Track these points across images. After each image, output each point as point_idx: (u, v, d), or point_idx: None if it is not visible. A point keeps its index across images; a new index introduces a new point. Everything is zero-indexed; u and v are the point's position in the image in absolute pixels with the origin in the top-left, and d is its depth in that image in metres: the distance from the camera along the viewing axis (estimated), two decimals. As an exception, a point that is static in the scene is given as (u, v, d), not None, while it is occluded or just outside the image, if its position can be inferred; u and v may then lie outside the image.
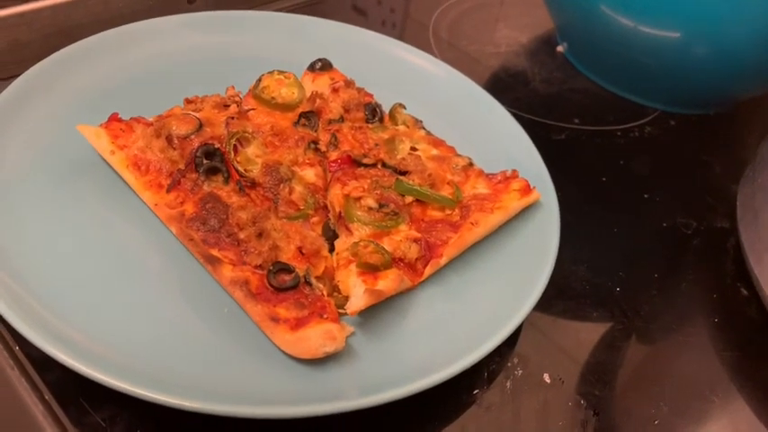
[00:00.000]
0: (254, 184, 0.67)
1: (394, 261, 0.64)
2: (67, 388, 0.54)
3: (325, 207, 0.69)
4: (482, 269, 0.67)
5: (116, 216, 0.65)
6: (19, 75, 0.72)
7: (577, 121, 0.95)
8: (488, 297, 0.64)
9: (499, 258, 0.68)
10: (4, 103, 0.69)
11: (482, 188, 0.72)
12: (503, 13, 1.20)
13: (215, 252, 0.60)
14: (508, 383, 0.62)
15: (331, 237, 0.66)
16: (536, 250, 0.68)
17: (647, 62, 0.96)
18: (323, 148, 0.74)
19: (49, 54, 0.76)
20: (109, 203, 0.65)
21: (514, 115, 0.84)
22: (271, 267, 0.59)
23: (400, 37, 0.98)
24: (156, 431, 0.53)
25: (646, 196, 0.86)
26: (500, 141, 0.81)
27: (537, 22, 1.15)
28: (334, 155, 0.73)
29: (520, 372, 0.63)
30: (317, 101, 0.78)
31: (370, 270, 0.61)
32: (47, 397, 0.54)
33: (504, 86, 1.01)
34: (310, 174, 0.71)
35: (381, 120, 0.79)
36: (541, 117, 0.95)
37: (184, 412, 0.51)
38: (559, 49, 1.09)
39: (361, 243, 0.63)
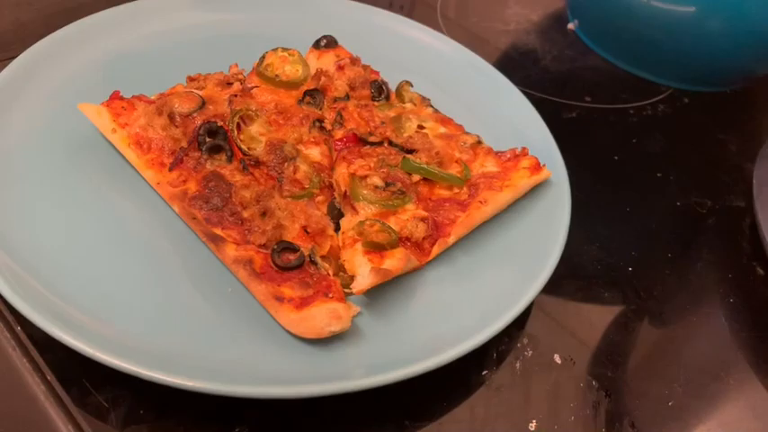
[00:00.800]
0: (257, 163, 0.66)
1: (401, 240, 0.62)
2: (70, 368, 0.53)
3: (331, 186, 0.67)
4: (491, 248, 0.65)
5: (118, 195, 0.64)
6: (21, 54, 0.72)
7: (589, 99, 0.93)
8: (497, 277, 0.63)
9: (508, 237, 0.66)
10: (6, 82, 0.68)
11: (491, 166, 0.70)
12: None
13: (218, 231, 0.59)
14: (518, 364, 0.61)
15: (336, 216, 0.65)
16: (546, 229, 0.66)
17: (661, 38, 0.93)
18: (328, 127, 0.73)
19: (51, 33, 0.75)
20: (111, 182, 0.64)
21: (525, 94, 0.82)
22: (275, 246, 0.58)
23: (408, 16, 0.96)
24: (160, 411, 0.52)
25: (659, 175, 0.84)
26: (509, 119, 0.79)
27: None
28: (339, 133, 0.72)
29: (530, 352, 0.62)
30: (322, 78, 0.76)
31: (376, 249, 0.60)
32: (49, 377, 0.53)
33: (514, 65, 0.99)
34: (315, 152, 0.69)
35: (388, 98, 0.78)
36: (552, 95, 0.92)
37: (188, 392, 0.50)
38: (570, 26, 1.06)
39: (367, 222, 0.62)
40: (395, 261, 0.59)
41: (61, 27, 0.76)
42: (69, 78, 0.72)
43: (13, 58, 0.71)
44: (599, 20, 1.02)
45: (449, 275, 0.63)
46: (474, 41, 1.02)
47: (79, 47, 0.74)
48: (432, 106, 0.77)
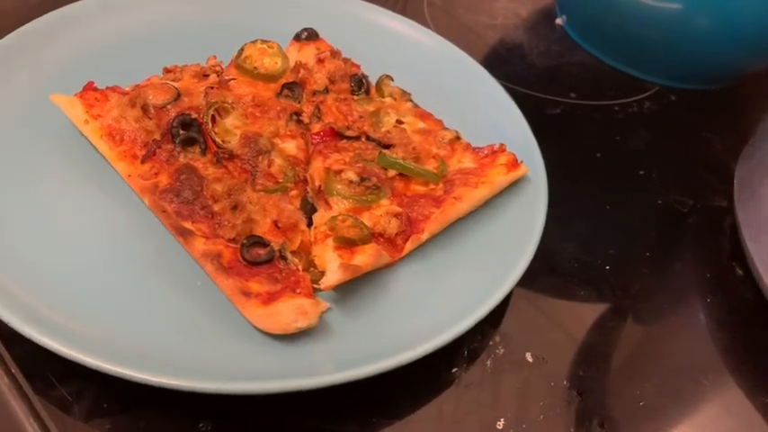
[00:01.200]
0: (231, 156, 0.65)
1: (373, 236, 0.62)
2: (34, 362, 0.53)
3: (306, 181, 0.67)
4: (466, 245, 0.65)
5: (89, 187, 0.63)
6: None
7: (574, 96, 0.92)
8: (471, 273, 0.62)
9: (484, 234, 0.66)
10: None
11: (468, 162, 0.70)
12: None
13: (188, 224, 0.59)
14: (489, 362, 0.60)
15: (310, 211, 0.65)
16: (522, 226, 0.66)
17: (648, 35, 0.92)
18: (306, 120, 0.72)
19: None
20: (83, 174, 0.64)
21: (509, 89, 0.81)
22: (244, 241, 0.58)
23: (394, 6, 0.95)
24: (124, 405, 0.52)
25: (641, 173, 0.83)
26: (490, 115, 0.78)
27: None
28: (317, 127, 0.71)
29: (501, 350, 0.62)
30: (301, 71, 0.75)
31: (347, 245, 0.59)
32: (13, 370, 0.53)
33: (500, 60, 0.99)
34: (291, 146, 0.69)
35: (368, 92, 0.77)
36: (537, 91, 0.92)
37: (153, 387, 0.50)
38: (558, 21, 1.05)
39: (340, 217, 0.61)
40: (365, 257, 0.58)
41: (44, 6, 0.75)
42: (44, 70, 0.71)
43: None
44: (587, 15, 1.01)
45: (422, 272, 0.63)
46: (461, 35, 1.01)
47: (54, 37, 0.73)
48: (412, 101, 0.76)
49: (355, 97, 0.76)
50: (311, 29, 0.81)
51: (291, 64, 0.76)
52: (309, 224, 0.64)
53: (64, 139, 0.66)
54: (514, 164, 0.69)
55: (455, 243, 0.65)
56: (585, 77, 0.96)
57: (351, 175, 0.65)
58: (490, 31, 1.04)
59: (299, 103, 0.74)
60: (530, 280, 0.65)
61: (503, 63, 0.97)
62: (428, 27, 0.89)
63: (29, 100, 0.67)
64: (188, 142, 0.65)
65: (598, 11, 0.97)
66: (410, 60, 0.83)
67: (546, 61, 0.99)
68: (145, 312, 0.55)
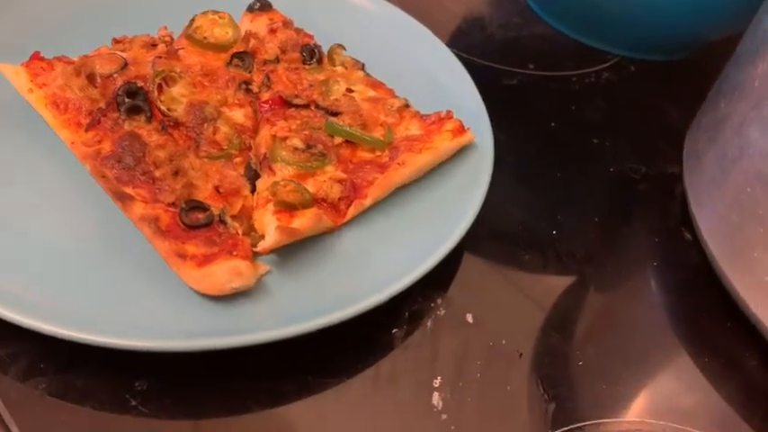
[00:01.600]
0: (177, 124, 0.66)
1: (316, 201, 0.62)
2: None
3: (250, 148, 0.67)
4: (410, 210, 0.66)
5: (34, 155, 0.64)
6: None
7: (532, 67, 0.93)
8: (414, 237, 0.63)
9: (428, 200, 0.66)
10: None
11: (415, 129, 0.70)
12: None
13: (128, 190, 0.59)
14: (429, 323, 0.61)
15: (253, 177, 0.65)
16: (466, 191, 0.66)
17: (608, 5, 0.92)
18: (255, 90, 0.72)
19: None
20: (27, 142, 0.64)
21: (468, 61, 0.82)
22: (183, 205, 0.58)
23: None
24: (61, 366, 0.53)
25: (595, 141, 0.84)
26: (441, 83, 0.78)
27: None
28: (266, 96, 0.72)
29: (443, 312, 0.62)
30: (252, 41, 0.76)
31: (287, 209, 0.60)
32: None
33: (460, 32, 0.99)
34: (239, 114, 0.69)
35: (320, 61, 0.77)
36: (495, 62, 0.92)
37: (90, 348, 0.51)
38: (521, -6, 1.06)
39: (281, 182, 0.62)
40: (304, 220, 0.59)
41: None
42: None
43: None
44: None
45: (365, 237, 0.63)
46: (423, 8, 1.01)
47: (1, 8, 0.73)
48: (363, 70, 0.77)
49: (306, 67, 0.76)
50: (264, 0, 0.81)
51: (242, 34, 0.77)
52: (253, 191, 0.64)
53: (9, 108, 0.66)
54: (461, 130, 0.69)
55: (399, 209, 0.66)
56: (545, 49, 0.97)
57: (296, 141, 0.66)
58: (453, 5, 1.04)
59: (250, 72, 0.74)
60: (474, 243, 0.66)
61: (463, 35, 0.98)
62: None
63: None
64: (133, 111, 0.65)
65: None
66: (364, 30, 0.83)
67: (506, 33, 0.99)
68: (82, 275, 0.55)
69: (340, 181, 0.64)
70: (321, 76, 0.75)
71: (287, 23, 0.79)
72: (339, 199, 0.63)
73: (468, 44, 0.94)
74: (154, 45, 0.71)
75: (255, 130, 0.69)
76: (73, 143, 0.62)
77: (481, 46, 0.95)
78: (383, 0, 0.88)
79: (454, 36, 0.97)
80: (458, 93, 0.77)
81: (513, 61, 0.93)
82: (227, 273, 0.54)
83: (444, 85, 0.78)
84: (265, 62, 0.75)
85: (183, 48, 0.73)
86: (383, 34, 0.84)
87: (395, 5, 0.88)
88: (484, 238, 0.68)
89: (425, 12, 0.90)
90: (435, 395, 0.56)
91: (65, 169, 0.63)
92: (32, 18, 0.75)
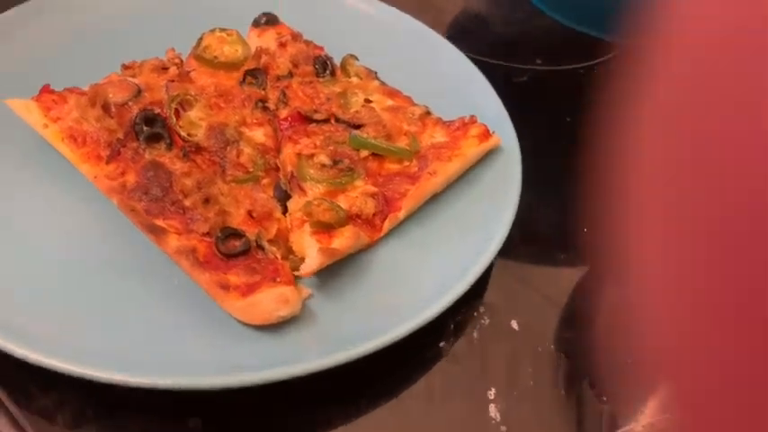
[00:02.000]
0: (199, 149, 0.64)
1: (351, 218, 0.61)
2: (12, 374, 0.51)
3: (277, 168, 0.66)
4: (443, 219, 0.65)
5: (54, 192, 0.62)
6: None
7: (540, 62, 0.92)
8: (451, 247, 0.62)
9: (460, 206, 0.65)
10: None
11: (440, 137, 0.69)
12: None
13: (159, 222, 0.58)
14: (475, 333, 0.60)
15: (283, 198, 0.63)
16: (498, 196, 0.65)
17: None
18: (272, 107, 0.71)
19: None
20: (46, 179, 0.62)
21: (473, 60, 0.80)
22: (219, 234, 0.57)
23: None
24: (109, 411, 0.51)
25: (612, 134, 0.83)
26: (457, 87, 0.77)
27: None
28: (284, 112, 0.70)
29: (487, 321, 0.62)
30: (263, 57, 0.74)
31: (324, 229, 0.59)
32: (-7, 385, 0.52)
33: (463, 31, 0.98)
34: (259, 134, 0.68)
35: (333, 73, 0.76)
36: (502, 60, 0.91)
37: (137, 389, 0.49)
38: (519, -12, 1.05)
39: (315, 201, 0.60)
40: (343, 240, 0.58)
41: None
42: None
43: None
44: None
45: (401, 249, 0.62)
46: (421, 8, 1.00)
47: (4, 39, 0.71)
48: (378, 79, 0.75)
49: (321, 79, 0.74)
50: (270, 13, 0.79)
51: (252, 50, 0.75)
52: (284, 211, 0.63)
53: (22, 144, 0.64)
54: (486, 135, 0.68)
55: (432, 218, 0.65)
56: (550, 43, 0.96)
57: (323, 158, 0.65)
58: (450, 3, 1.03)
59: (264, 89, 0.72)
60: (509, 248, 0.65)
61: (466, 34, 0.96)
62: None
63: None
64: (153, 138, 0.63)
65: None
66: (372, 38, 0.82)
67: (509, 29, 0.98)
68: (123, 315, 0.54)
69: (372, 195, 0.63)
70: (337, 89, 0.73)
71: (296, 36, 0.77)
72: (373, 214, 0.62)
73: (473, 43, 0.93)
74: (165, 69, 0.70)
75: (277, 149, 0.67)
76: (96, 177, 0.61)
77: (486, 44, 0.94)
78: (384, 4, 0.87)
79: (456, 36, 0.96)
80: (475, 95, 0.76)
81: (521, 58, 0.92)
82: (273, 301, 0.53)
83: (459, 88, 0.77)
84: (278, 78, 0.73)
85: (193, 69, 0.71)
86: (389, 40, 0.83)
87: (397, 9, 0.86)
88: (517, 240, 0.67)
89: (421, 12, 0.88)
90: (492, 407, 0.55)
91: (89, 205, 0.61)
92: (34, 48, 0.73)
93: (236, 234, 0.58)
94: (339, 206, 0.61)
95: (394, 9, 0.86)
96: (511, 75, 0.89)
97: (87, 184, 0.62)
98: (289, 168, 0.65)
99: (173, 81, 0.68)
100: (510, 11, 1.01)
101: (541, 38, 0.97)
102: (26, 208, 0.60)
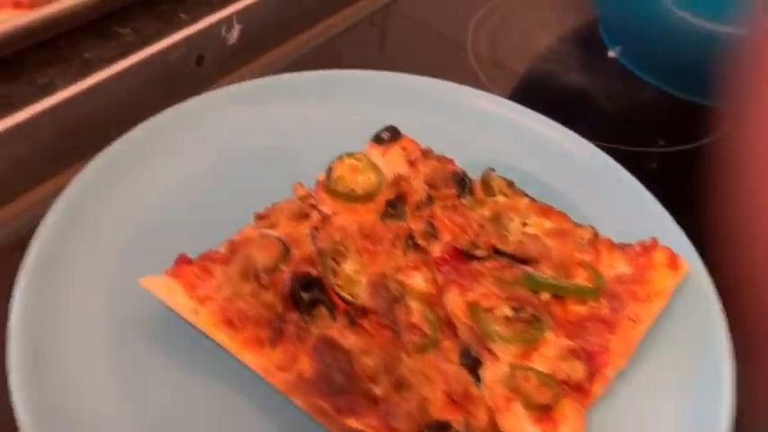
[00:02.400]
0: (364, 312, 0.55)
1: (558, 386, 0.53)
2: None
3: (449, 323, 0.57)
4: (647, 369, 0.56)
5: (208, 382, 0.53)
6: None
7: (663, 143, 0.85)
8: (670, 406, 0.54)
9: (663, 352, 0.57)
10: (39, 254, 0.56)
11: (621, 266, 0.61)
12: (536, 17, 1.08)
13: (352, 422, 0.49)
14: None
15: (473, 365, 0.55)
16: (702, 342, 0.57)
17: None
18: (420, 242, 0.62)
19: (53, 168, 0.68)
20: (197, 369, 0.53)
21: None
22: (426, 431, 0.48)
23: (438, 60, 0.86)
24: None
25: None
26: (603, 193, 0.70)
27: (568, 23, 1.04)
28: (436, 249, 0.62)
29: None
30: (401, 183, 0.65)
31: (542, 411, 0.51)
32: None
33: (566, 110, 0.90)
34: (419, 281, 0.59)
35: (471, 191, 0.67)
36: (622, 144, 0.84)
37: None
38: (611, 53, 0.98)
39: (519, 373, 0.52)
40: (571, 428, 0.49)
41: (64, 158, 0.68)
42: (108, 234, 0.60)
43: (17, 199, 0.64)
44: (644, 43, 0.93)
45: (612, 414, 0.54)
46: (516, 88, 0.93)
47: (106, 193, 0.62)
48: (528, 195, 0.67)
49: (464, 202, 0.66)
50: (392, 126, 0.70)
51: (385, 175, 0.66)
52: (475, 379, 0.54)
53: (156, 326, 0.55)
54: (674, 261, 0.61)
55: (635, 368, 0.57)
56: (665, 118, 0.89)
57: (506, 310, 0.56)
58: (545, 78, 0.96)
59: (405, 221, 0.64)
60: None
61: (569, 113, 0.89)
62: (481, 83, 0.81)
63: (106, 287, 0.56)
64: (312, 306, 0.54)
65: (656, 36, 0.90)
66: (485, 138, 0.74)
67: (615, 105, 0.91)
68: None
69: (573, 352, 0.55)
70: (487, 212, 0.65)
71: (425, 152, 0.69)
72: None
73: (582, 127, 0.86)
74: (305, 214, 0.60)
75: (439, 296, 0.59)
76: (267, 371, 0.51)
77: (597, 126, 0.87)
78: (494, 96, 0.79)
79: (558, 115, 0.89)
80: (626, 201, 0.69)
81: (640, 139, 0.85)
82: None
83: (605, 194, 0.70)
84: (418, 206, 0.65)
85: (335, 212, 0.62)
86: (508, 139, 0.75)
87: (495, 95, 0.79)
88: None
89: (517, 93, 0.81)
90: None
91: (248, 395, 0.52)
92: (140, 197, 0.63)
93: (443, 426, 0.49)
94: (550, 378, 0.52)
95: (509, 102, 0.78)
96: (640, 161, 0.82)
97: (240, 367, 0.52)
98: (462, 319, 0.56)
99: (317, 228, 0.59)
100: (610, 82, 0.94)
101: (654, 113, 0.90)
102: (177, 407, 0.51)
